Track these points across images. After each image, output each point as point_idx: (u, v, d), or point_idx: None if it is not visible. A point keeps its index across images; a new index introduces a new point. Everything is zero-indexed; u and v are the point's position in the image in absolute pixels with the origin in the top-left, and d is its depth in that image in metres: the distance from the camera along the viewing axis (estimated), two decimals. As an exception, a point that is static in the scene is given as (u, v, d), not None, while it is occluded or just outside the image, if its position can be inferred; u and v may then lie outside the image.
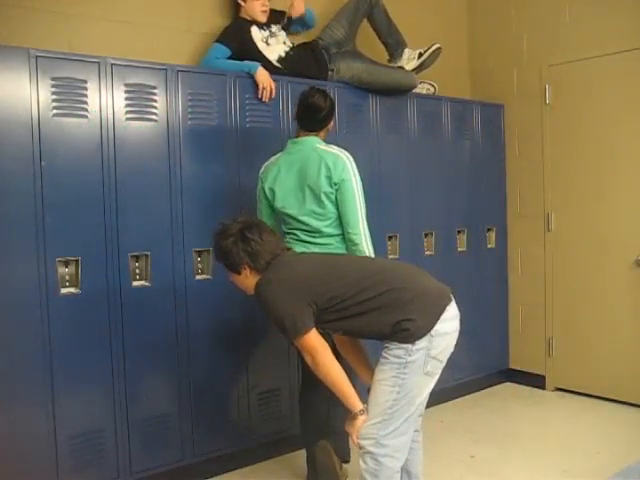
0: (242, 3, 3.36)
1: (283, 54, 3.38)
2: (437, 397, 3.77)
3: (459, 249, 4.14)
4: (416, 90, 3.88)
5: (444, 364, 2.22)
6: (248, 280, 2.32)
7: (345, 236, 2.74)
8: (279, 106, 3.24)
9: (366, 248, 2.71)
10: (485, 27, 4.56)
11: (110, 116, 2.71)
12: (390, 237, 3.71)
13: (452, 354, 2.27)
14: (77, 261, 2.64)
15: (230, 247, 2.28)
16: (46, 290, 2.56)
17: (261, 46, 3.33)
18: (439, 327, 2.14)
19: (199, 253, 2.99)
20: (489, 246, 4.34)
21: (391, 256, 3.68)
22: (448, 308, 2.19)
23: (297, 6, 3.55)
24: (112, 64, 2.71)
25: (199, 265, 2.99)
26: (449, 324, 2.19)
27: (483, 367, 4.32)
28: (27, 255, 2.52)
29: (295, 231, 2.79)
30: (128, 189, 2.76)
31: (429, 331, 2.12)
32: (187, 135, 2.93)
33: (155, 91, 2.84)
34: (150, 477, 2.86)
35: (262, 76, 3.13)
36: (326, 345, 2.20)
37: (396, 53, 3.83)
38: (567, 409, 3.97)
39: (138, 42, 3.15)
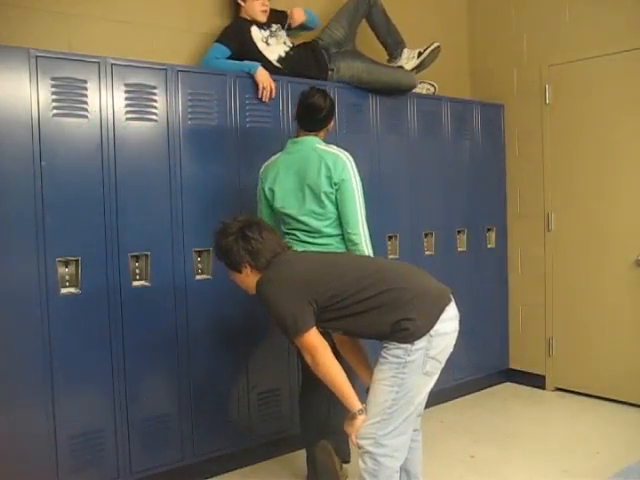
0: (242, 3, 3.36)
1: (283, 54, 3.38)
2: (437, 397, 3.78)
3: (459, 249, 4.14)
4: (416, 90, 3.88)
5: (443, 364, 2.22)
6: (249, 278, 2.32)
7: (344, 236, 2.74)
8: (279, 106, 3.24)
9: (365, 248, 2.71)
10: (485, 27, 4.56)
11: (110, 116, 2.71)
12: (390, 237, 3.71)
13: (452, 354, 2.27)
14: (77, 261, 2.64)
15: (231, 246, 2.29)
16: (46, 290, 2.56)
17: (261, 46, 3.33)
18: (438, 327, 2.14)
19: (199, 253, 2.99)
20: (489, 246, 4.34)
21: (391, 256, 3.68)
22: (448, 308, 2.19)
23: (297, 17, 3.53)
24: (112, 64, 2.71)
25: (199, 265, 2.99)
26: (448, 324, 2.19)
27: (483, 367, 4.32)
28: (27, 255, 2.52)
29: (295, 231, 2.79)
30: (128, 189, 2.76)
31: (428, 331, 2.12)
32: (187, 135, 2.93)
33: (155, 91, 2.84)
34: (150, 477, 2.86)
35: (262, 76, 3.13)
36: (326, 344, 2.20)
37: (395, 53, 3.83)
38: (567, 409, 3.97)
39: (138, 42, 3.15)
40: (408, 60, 3.80)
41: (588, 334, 4.07)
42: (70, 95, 2.61)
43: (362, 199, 2.74)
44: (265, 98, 3.14)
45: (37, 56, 2.53)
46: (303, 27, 3.62)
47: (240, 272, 2.33)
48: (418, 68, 3.83)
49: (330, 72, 3.48)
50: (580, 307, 4.11)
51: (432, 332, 2.13)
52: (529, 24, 4.26)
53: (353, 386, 2.23)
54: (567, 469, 3.08)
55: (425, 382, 2.18)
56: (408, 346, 2.11)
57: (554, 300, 4.25)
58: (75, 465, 2.65)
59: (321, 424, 2.81)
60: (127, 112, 2.76)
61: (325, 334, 2.24)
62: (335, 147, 2.79)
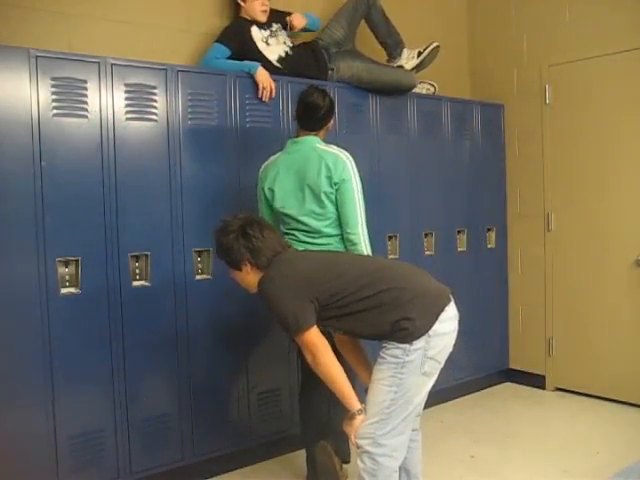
0: (242, 3, 3.35)
1: (283, 54, 3.38)
2: (437, 397, 3.78)
3: (459, 249, 4.14)
4: (416, 90, 3.88)
5: (442, 364, 2.22)
6: (249, 277, 2.32)
7: (344, 236, 2.74)
8: (279, 106, 3.24)
9: (364, 248, 2.71)
10: (485, 27, 4.56)
11: (110, 116, 2.71)
12: (390, 237, 3.71)
13: (452, 354, 2.27)
14: (77, 261, 2.64)
15: (231, 243, 2.29)
16: (46, 290, 2.56)
17: (261, 46, 3.32)
18: (437, 327, 2.14)
19: (199, 253, 2.99)
20: (489, 246, 4.34)
21: (391, 256, 3.68)
22: (447, 308, 2.19)
23: (296, 24, 3.50)
24: (112, 64, 2.71)
25: (199, 265, 2.99)
26: (447, 324, 2.19)
27: (483, 367, 4.32)
28: (27, 255, 2.52)
29: (294, 231, 2.79)
30: (128, 189, 2.76)
31: (427, 331, 2.12)
32: (187, 135, 2.93)
33: (155, 91, 2.84)
34: (150, 477, 2.86)
35: (262, 76, 3.13)
36: (327, 343, 2.20)
37: (395, 53, 3.83)
38: (567, 409, 3.97)
39: (138, 42, 3.15)
40: (408, 60, 3.81)
41: (588, 334, 4.07)
42: (70, 95, 2.61)
43: (362, 199, 2.74)
44: (265, 98, 3.15)
45: (37, 56, 2.53)
46: (304, 30, 3.62)
47: (240, 270, 2.33)
48: (418, 68, 3.83)
49: (330, 72, 3.48)
50: (580, 307, 4.11)
51: (431, 332, 2.13)
52: (529, 24, 4.26)
53: (353, 386, 2.23)
54: (567, 469, 3.08)
55: (424, 382, 2.18)
56: (406, 346, 2.11)
57: (554, 300, 4.26)
58: (75, 465, 2.65)
59: (321, 424, 2.81)
60: (127, 112, 2.76)
61: (326, 334, 2.24)
62: (335, 147, 2.79)
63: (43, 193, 2.54)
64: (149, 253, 2.82)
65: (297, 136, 2.83)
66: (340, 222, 2.74)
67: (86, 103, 2.65)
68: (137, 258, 2.81)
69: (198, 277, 2.98)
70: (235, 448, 3.13)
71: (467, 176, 4.17)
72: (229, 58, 3.22)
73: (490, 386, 4.41)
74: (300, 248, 2.70)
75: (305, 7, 3.68)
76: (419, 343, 2.12)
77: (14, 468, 2.50)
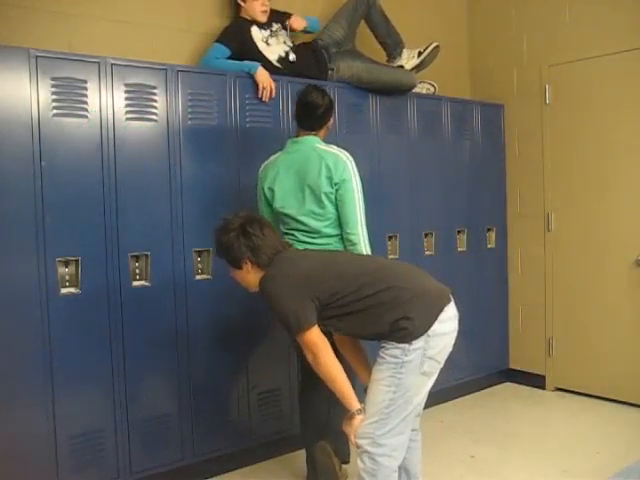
0: (242, 3, 3.35)
1: (283, 54, 3.38)
2: (437, 397, 3.78)
3: (459, 249, 4.14)
4: (416, 90, 3.88)
5: (442, 364, 2.22)
6: (249, 275, 2.33)
7: (343, 236, 2.74)
8: (279, 106, 3.24)
9: (364, 248, 2.71)
10: (485, 27, 4.56)
11: (110, 116, 2.71)
12: (390, 237, 3.71)
13: (452, 354, 2.27)
14: (77, 261, 2.64)
15: (232, 242, 2.29)
16: (46, 290, 2.56)
17: (261, 46, 3.32)
18: (436, 327, 2.14)
19: (199, 253, 2.99)
20: (489, 246, 4.34)
21: (391, 256, 3.68)
22: (447, 308, 2.19)
23: (296, 26, 3.49)
24: (112, 64, 2.71)
25: (199, 265, 2.99)
26: (447, 324, 2.19)
27: (483, 367, 4.32)
28: (27, 255, 2.52)
29: (294, 231, 2.78)
30: (128, 189, 2.76)
31: (426, 331, 2.12)
32: (187, 135, 2.93)
33: (155, 91, 2.84)
34: (150, 477, 2.86)
35: (262, 76, 3.13)
36: (328, 343, 2.21)
37: (395, 53, 3.83)
38: (567, 409, 3.97)
39: (138, 42, 3.15)
40: (408, 60, 3.81)
41: (588, 334, 4.07)
42: (70, 95, 2.61)
43: (362, 199, 2.73)
44: (265, 98, 3.15)
45: (37, 56, 2.53)
46: (304, 31, 3.61)
47: (241, 269, 2.33)
48: (418, 67, 3.83)
49: (330, 72, 3.48)
50: (580, 307, 4.11)
51: (430, 332, 2.13)
52: (529, 24, 4.26)
53: (353, 386, 2.24)
54: (567, 469, 3.08)
55: (423, 382, 2.18)
56: (405, 346, 2.11)
57: (554, 300, 4.26)
58: (75, 465, 2.65)
59: (321, 424, 2.81)
60: (127, 112, 2.76)
61: (326, 334, 2.24)
62: (335, 147, 2.78)
63: (43, 193, 2.54)
64: (149, 253, 2.82)
65: (297, 136, 2.83)
66: (340, 222, 2.74)
67: (86, 103, 2.65)
68: (137, 258, 2.81)
69: (198, 277, 2.98)
70: (235, 448, 3.13)
71: (467, 176, 4.17)
72: (229, 58, 3.22)
73: (490, 386, 4.41)
74: (300, 248, 2.70)
75: (305, 7, 3.68)
76: (418, 343, 2.12)
77: (14, 468, 2.50)
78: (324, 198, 2.70)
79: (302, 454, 2.98)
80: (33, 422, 2.55)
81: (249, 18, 3.36)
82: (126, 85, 2.75)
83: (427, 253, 3.93)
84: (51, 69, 2.56)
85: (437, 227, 3.98)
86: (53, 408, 2.58)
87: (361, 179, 2.75)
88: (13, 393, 2.51)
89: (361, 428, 2.18)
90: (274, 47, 3.37)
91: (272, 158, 2.87)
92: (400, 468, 2.28)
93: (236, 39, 3.27)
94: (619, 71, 3.83)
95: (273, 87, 3.16)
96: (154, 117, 2.83)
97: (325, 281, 2.21)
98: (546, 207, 4.25)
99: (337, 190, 2.69)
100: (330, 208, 2.72)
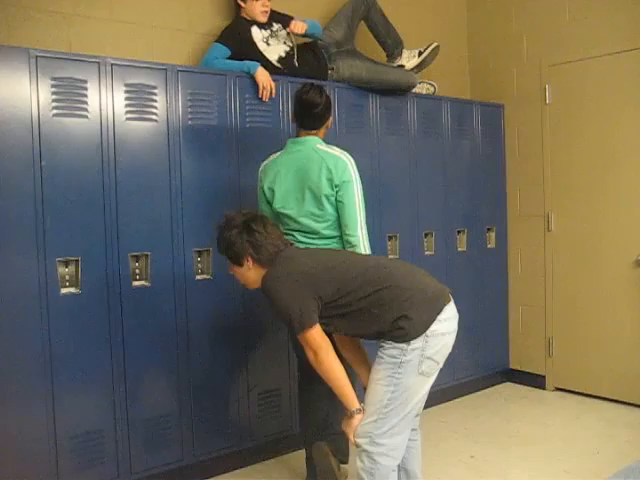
0: (242, 4, 3.35)
1: (283, 54, 3.38)
2: (437, 397, 3.78)
3: (459, 249, 4.14)
4: (416, 90, 3.88)
5: (441, 365, 2.22)
6: (250, 272, 2.33)
7: (343, 238, 2.73)
8: (279, 106, 3.24)
9: (364, 251, 2.70)
10: (485, 27, 4.56)
11: (110, 116, 2.71)
12: (390, 237, 3.71)
13: (452, 354, 2.27)
14: (77, 261, 2.64)
15: (234, 238, 2.29)
16: (46, 290, 2.56)
17: (261, 46, 3.32)
18: (435, 327, 2.14)
19: (199, 253, 2.99)
20: (489, 246, 4.35)
21: (391, 256, 3.68)
22: (446, 308, 2.19)
23: (297, 31, 3.42)
24: (112, 64, 2.71)
25: (199, 265, 2.99)
26: (446, 324, 2.19)
27: (483, 367, 4.32)
28: (27, 255, 2.52)
29: (293, 232, 2.78)
30: (128, 189, 2.76)
31: (425, 331, 2.12)
32: (187, 135, 2.93)
33: (155, 91, 2.84)
34: (150, 477, 2.86)
35: (262, 76, 3.13)
36: (329, 342, 2.21)
37: (395, 52, 3.84)
38: (567, 409, 3.97)
39: (138, 42, 3.15)
40: (409, 59, 3.81)
41: (588, 334, 4.08)
42: (70, 95, 2.61)
43: (362, 201, 2.72)
44: (265, 98, 3.14)
45: (37, 56, 2.53)
46: (305, 36, 3.59)
47: (241, 266, 2.33)
48: (418, 67, 3.84)
49: (330, 71, 3.48)
50: (580, 307, 4.11)
51: (428, 332, 2.13)
52: (529, 24, 4.27)
53: (353, 386, 2.24)
54: (567, 469, 3.08)
55: (422, 382, 2.18)
56: (404, 346, 2.12)
57: (554, 300, 4.26)
58: (75, 465, 2.65)
59: (319, 423, 2.80)
60: (127, 112, 2.76)
61: (327, 334, 2.24)
62: (337, 148, 2.77)
63: (43, 193, 2.55)
64: (149, 253, 2.82)
65: (297, 136, 2.82)
66: (340, 224, 2.73)
67: (86, 103, 2.65)
68: (137, 258, 2.81)
69: (198, 277, 2.98)
70: (235, 448, 3.13)
71: (467, 176, 4.17)
72: (229, 58, 3.22)
73: (490, 386, 4.41)
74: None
75: (306, 8, 3.68)
76: (416, 343, 2.12)
77: (14, 468, 2.50)
78: (324, 200, 2.69)
79: (302, 454, 2.98)
80: (33, 422, 2.55)
81: (249, 18, 3.36)
82: (126, 85, 2.75)
83: (427, 253, 3.92)
84: (51, 69, 2.56)
85: (437, 227, 3.98)
86: (53, 408, 2.58)
87: (361, 179, 2.75)
88: (13, 393, 2.51)
89: (360, 427, 2.18)
90: (274, 47, 3.37)
91: (272, 157, 2.86)
92: (400, 468, 2.28)
93: (236, 39, 3.27)
94: (619, 71, 3.83)
95: (273, 87, 3.16)
96: (154, 117, 2.83)
97: (327, 280, 2.21)
98: (546, 207, 4.25)
99: (337, 192, 2.69)
100: (330, 210, 2.71)
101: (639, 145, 3.79)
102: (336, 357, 2.21)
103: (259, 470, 3.18)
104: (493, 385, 4.44)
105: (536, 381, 4.35)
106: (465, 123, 4.15)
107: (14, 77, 2.49)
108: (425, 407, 2.34)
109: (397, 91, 3.70)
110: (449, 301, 2.23)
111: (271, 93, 3.16)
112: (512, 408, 4.07)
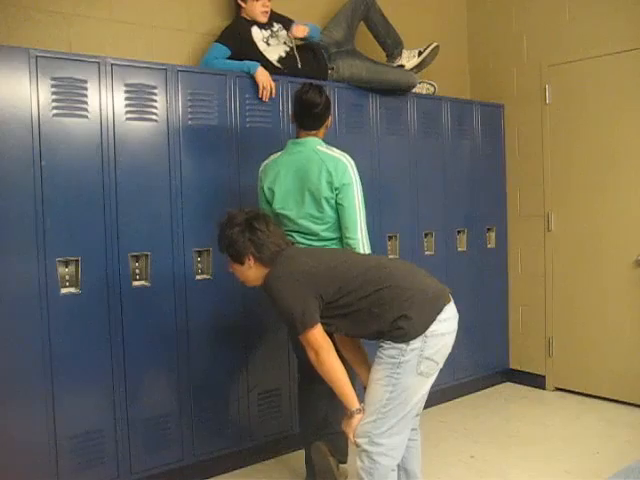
0: (242, 4, 3.35)
1: (283, 54, 3.37)
2: (437, 397, 3.78)
3: (459, 249, 4.14)
4: (416, 90, 3.88)
5: (441, 365, 2.22)
6: (250, 271, 2.32)
7: (343, 240, 2.72)
8: (279, 106, 3.24)
9: (364, 252, 2.70)
10: (485, 27, 4.56)
11: (110, 116, 2.71)
12: (390, 237, 3.71)
13: (452, 354, 2.27)
14: (77, 261, 2.64)
15: (236, 236, 2.28)
16: (46, 290, 2.56)
17: (261, 46, 3.32)
18: (435, 327, 2.14)
19: (199, 253, 2.99)
20: (489, 246, 4.35)
21: (391, 256, 3.68)
22: (446, 308, 2.19)
23: (299, 35, 3.42)
24: (112, 64, 2.71)
25: (199, 265, 2.99)
26: (446, 325, 2.19)
27: (483, 367, 4.32)
28: (27, 255, 2.52)
29: (292, 233, 2.77)
30: (128, 189, 2.76)
31: (424, 331, 2.12)
32: (187, 135, 2.93)
33: (155, 91, 2.84)
34: (150, 477, 2.86)
35: (262, 76, 3.13)
36: (331, 342, 2.21)
37: (395, 52, 3.84)
38: (567, 409, 3.97)
39: (138, 42, 3.15)
40: (409, 59, 3.81)
41: (588, 334, 4.08)
42: (70, 95, 2.61)
43: (362, 203, 2.72)
44: (265, 98, 3.14)
45: (37, 56, 2.53)
46: (305, 39, 3.58)
47: (242, 264, 2.32)
48: (418, 67, 3.84)
49: (330, 71, 3.48)
50: (580, 307, 4.11)
51: (428, 332, 2.13)
52: (529, 24, 4.27)
53: (353, 385, 2.24)
54: (567, 469, 3.08)
55: (421, 382, 2.18)
56: (403, 346, 2.12)
57: (554, 300, 4.26)
58: (75, 465, 2.65)
59: (318, 423, 2.80)
60: (127, 112, 2.76)
61: (327, 334, 2.24)
62: (337, 150, 2.76)
63: (43, 193, 2.55)
64: (149, 253, 2.82)
65: (298, 137, 2.82)
66: (340, 226, 2.73)
67: (86, 103, 2.65)
68: (137, 258, 2.81)
69: (198, 277, 2.98)
70: (235, 448, 3.13)
71: (467, 176, 4.17)
72: (229, 58, 3.22)
73: (490, 386, 4.41)
74: (300, 247, 2.70)
75: (305, 8, 3.68)
76: (415, 343, 2.12)
77: (14, 468, 2.50)
78: (324, 202, 2.68)
79: (302, 454, 2.98)
80: (33, 422, 2.55)
81: (249, 18, 3.36)
82: (126, 85, 2.75)
83: (427, 253, 3.93)
84: (51, 69, 2.56)
85: (437, 227, 3.98)
86: (53, 408, 2.58)
87: (361, 179, 2.74)
88: (13, 393, 2.51)
89: (359, 427, 2.19)
90: (274, 47, 3.37)
91: (272, 158, 2.86)
92: (399, 467, 2.29)
93: (236, 39, 3.27)
94: (619, 71, 3.83)
95: (273, 87, 3.16)
96: (154, 117, 2.83)
97: (328, 279, 2.21)
98: (546, 207, 4.25)
99: (337, 194, 2.68)
100: (329, 212, 2.70)
101: (639, 145, 3.79)
102: (337, 357, 2.22)
103: (259, 470, 3.18)
104: (493, 385, 4.44)
105: (536, 381, 4.35)
106: (465, 123, 4.15)
107: (14, 77, 2.49)
108: (425, 407, 2.34)
109: (397, 91, 3.70)
110: (449, 301, 2.23)
111: (271, 93, 3.16)
112: (512, 408, 4.07)
